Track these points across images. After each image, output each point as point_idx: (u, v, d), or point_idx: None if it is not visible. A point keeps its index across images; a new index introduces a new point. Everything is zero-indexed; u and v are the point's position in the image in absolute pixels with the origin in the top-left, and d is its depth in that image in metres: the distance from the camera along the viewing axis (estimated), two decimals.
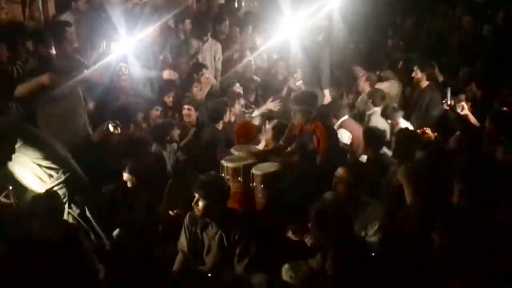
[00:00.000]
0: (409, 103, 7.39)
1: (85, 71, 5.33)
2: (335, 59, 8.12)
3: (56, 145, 4.72)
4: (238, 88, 7.76)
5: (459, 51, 8.51)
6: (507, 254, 3.24)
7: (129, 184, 5.09)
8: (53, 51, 5.26)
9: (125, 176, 5.09)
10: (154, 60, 7.14)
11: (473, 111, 5.76)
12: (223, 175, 4.95)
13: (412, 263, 3.57)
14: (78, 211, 4.73)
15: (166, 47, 7.80)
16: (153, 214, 5.05)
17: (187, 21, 8.18)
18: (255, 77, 8.54)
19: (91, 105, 6.15)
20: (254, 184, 4.92)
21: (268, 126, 5.87)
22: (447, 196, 3.72)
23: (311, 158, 5.11)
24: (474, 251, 3.24)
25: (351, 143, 6.25)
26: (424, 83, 7.24)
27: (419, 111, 7.11)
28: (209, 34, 8.22)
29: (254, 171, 4.93)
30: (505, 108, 5.65)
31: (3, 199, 4.33)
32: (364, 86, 7.56)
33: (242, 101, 7.35)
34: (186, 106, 6.64)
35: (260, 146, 5.75)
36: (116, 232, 4.80)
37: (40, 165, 4.50)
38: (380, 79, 7.91)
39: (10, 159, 4.37)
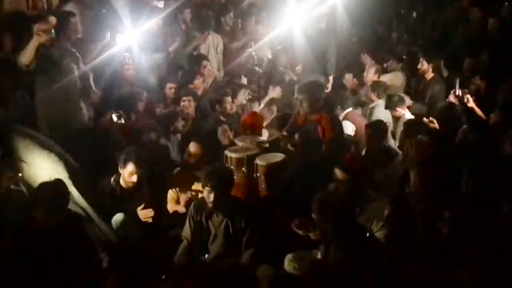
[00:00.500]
0: (413, 95, 7.36)
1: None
2: (342, 47, 8.09)
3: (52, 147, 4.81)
4: (242, 80, 7.72)
5: (465, 43, 8.45)
6: None
7: (133, 176, 4.86)
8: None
9: (129, 166, 4.85)
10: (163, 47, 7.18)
11: (476, 103, 5.74)
12: (227, 165, 4.95)
13: (418, 254, 3.56)
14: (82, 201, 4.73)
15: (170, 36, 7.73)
16: (156, 203, 5.02)
17: (187, 11, 8.06)
18: (256, 69, 8.51)
19: (95, 96, 6.14)
20: (258, 174, 4.92)
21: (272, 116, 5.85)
22: (455, 187, 3.71)
23: (314, 148, 5.09)
24: (481, 242, 3.23)
25: (355, 135, 6.25)
26: (430, 75, 7.22)
27: (423, 103, 7.09)
28: (212, 27, 8.15)
29: (258, 161, 4.93)
30: None
31: (14, 186, 4.33)
32: (373, 78, 7.42)
33: (247, 93, 7.30)
34: (185, 98, 6.59)
35: (265, 137, 5.73)
36: (116, 218, 4.67)
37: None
38: (385, 70, 7.87)
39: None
